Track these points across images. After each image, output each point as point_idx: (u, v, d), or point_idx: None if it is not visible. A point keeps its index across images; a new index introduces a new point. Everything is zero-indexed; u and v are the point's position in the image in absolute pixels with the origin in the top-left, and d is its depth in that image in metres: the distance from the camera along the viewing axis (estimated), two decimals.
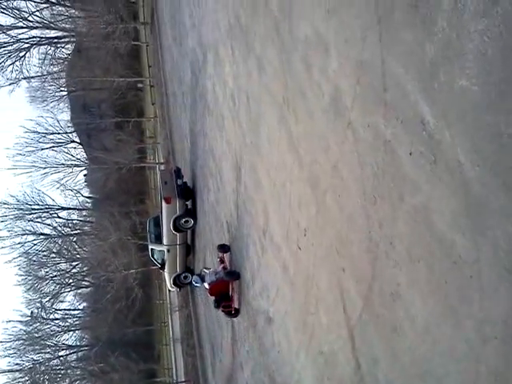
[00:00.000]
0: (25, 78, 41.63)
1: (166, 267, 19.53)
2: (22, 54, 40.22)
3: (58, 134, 43.97)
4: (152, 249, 19.35)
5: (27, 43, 40.36)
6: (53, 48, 43.34)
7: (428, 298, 3.64)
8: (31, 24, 39.79)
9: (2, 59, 39.53)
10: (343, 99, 4.70)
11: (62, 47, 45.16)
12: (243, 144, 9.59)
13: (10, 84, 40.63)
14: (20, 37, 39.79)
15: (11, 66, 40.01)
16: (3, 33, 38.63)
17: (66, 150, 44.37)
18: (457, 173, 3.20)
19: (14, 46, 39.75)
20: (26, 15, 39.27)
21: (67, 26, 42.79)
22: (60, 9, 43.52)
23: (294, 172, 6.57)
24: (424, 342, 3.74)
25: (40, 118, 42.80)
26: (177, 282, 19.95)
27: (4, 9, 38.03)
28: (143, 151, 49.26)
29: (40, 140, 41.95)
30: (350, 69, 4.49)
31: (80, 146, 46.71)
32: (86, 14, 42.48)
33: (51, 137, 43.18)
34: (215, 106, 12.82)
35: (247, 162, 9.41)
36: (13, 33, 39.25)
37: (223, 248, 11.64)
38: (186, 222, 17.70)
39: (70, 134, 45.44)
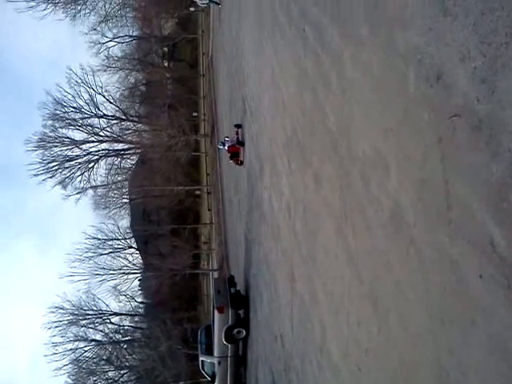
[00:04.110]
0: (91, 188, 44.33)
1: (216, 380, 18.75)
2: (90, 165, 43.25)
3: (117, 239, 45.53)
4: (202, 360, 18.77)
5: (96, 155, 43.52)
6: (119, 159, 46.42)
7: None
8: (101, 138, 43.16)
9: (73, 170, 42.61)
10: (404, 216, 4.62)
11: (128, 158, 48.29)
12: (299, 255, 9.50)
13: (77, 193, 43.36)
14: (90, 150, 43.09)
15: (80, 177, 42.95)
16: (76, 147, 42.04)
17: (123, 255, 45.56)
18: None
19: (84, 158, 42.95)
20: (98, 131, 42.77)
21: (134, 138, 46.03)
22: (128, 123, 47.21)
23: (352, 287, 6.35)
24: None
25: (101, 224, 44.71)
26: None
27: (80, 126, 41.79)
28: (198, 256, 49.82)
29: (100, 246, 43.45)
30: (411, 186, 4.45)
31: (137, 252, 47.89)
32: (151, 127, 45.78)
33: (110, 243, 44.71)
34: (271, 215, 12.97)
35: (303, 274, 9.24)
36: (84, 146, 42.61)
37: (238, 126, 19.81)
38: (239, 332, 17.26)
39: (128, 240, 46.94)
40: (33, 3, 45.50)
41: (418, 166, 4.32)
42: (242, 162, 20.05)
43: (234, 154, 20.52)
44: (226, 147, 20.82)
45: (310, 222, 8.50)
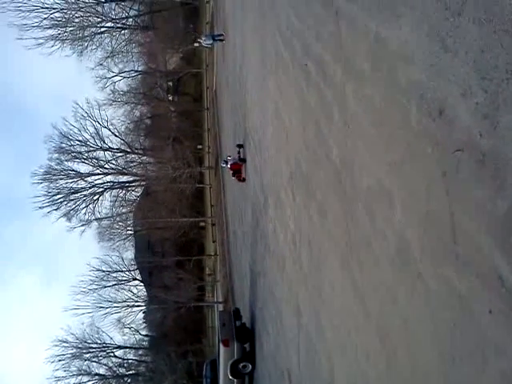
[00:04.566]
0: (96, 220, 44.45)
1: None
2: (95, 197, 43.48)
3: (122, 271, 45.39)
4: None
5: (101, 187, 43.78)
6: (124, 191, 46.67)
7: None
8: (106, 171, 43.51)
9: (78, 203, 42.81)
10: (410, 250, 4.59)
11: (132, 190, 48.55)
12: (304, 288, 9.41)
13: (82, 225, 43.44)
14: (95, 182, 43.40)
15: (85, 209, 43.11)
16: (81, 179, 42.38)
17: (127, 287, 45.32)
18: None
19: (90, 190, 43.21)
20: (103, 163, 43.17)
21: (138, 171, 46.38)
22: (133, 156, 47.64)
23: (359, 321, 6.26)
24: None
25: (106, 256, 44.67)
26: None
27: (85, 159, 42.26)
28: (202, 288, 49.44)
29: (104, 278, 43.29)
30: (417, 220, 4.43)
31: (141, 284, 47.63)
32: (156, 160, 46.16)
33: (115, 275, 44.56)
34: (276, 247, 12.92)
35: (308, 307, 9.13)
36: (90, 179, 42.94)
37: (240, 145, 20.93)
38: (244, 366, 16.98)
39: (132, 272, 46.78)
40: (41, 40, 46.58)
41: (422, 200, 4.32)
42: (244, 179, 20.98)
43: (236, 171, 21.80)
44: (229, 165, 22.26)
45: (316, 254, 8.46)
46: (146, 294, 47.70)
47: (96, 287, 42.48)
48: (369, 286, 5.85)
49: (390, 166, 5.03)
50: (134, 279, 47.07)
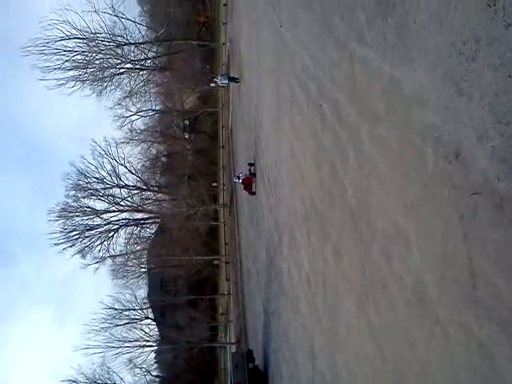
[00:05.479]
0: (110, 257, 44.48)
1: None
2: (110, 234, 43.66)
3: (134, 310, 45.01)
4: None
5: (116, 224, 44.02)
6: (138, 228, 46.84)
7: None
8: (122, 208, 43.86)
9: (93, 240, 43.02)
10: (428, 293, 4.50)
11: (147, 227, 48.69)
12: (319, 330, 9.24)
13: (96, 262, 43.49)
14: (111, 219, 43.70)
15: (99, 246, 43.26)
16: (97, 216, 42.73)
17: (139, 326, 44.88)
18: None
19: (105, 227, 43.47)
20: (119, 200, 43.58)
21: (154, 208, 46.66)
22: (148, 193, 48.04)
23: (376, 365, 6.10)
24: None
25: (119, 294, 44.45)
26: None
27: (101, 196, 42.73)
28: (215, 328, 48.75)
29: (116, 316, 42.95)
30: (434, 263, 4.37)
31: (153, 323, 47.16)
32: (171, 197, 46.47)
33: (127, 313, 44.21)
34: (290, 287, 12.77)
35: (323, 350, 8.94)
36: (105, 216, 43.29)
37: (251, 164, 22.83)
38: None
39: (145, 311, 46.39)
40: (62, 81, 47.93)
41: (439, 243, 4.26)
42: (254, 193, 22.76)
43: (247, 185, 23.59)
44: (241, 180, 24.18)
45: (331, 296, 8.33)
46: (157, 333, 47.16)
47: (108, 325, 42.16)
48: (385, 329, 5.73)
49: (405, 208, 5.00)
50: (147, 318, 46.66)
